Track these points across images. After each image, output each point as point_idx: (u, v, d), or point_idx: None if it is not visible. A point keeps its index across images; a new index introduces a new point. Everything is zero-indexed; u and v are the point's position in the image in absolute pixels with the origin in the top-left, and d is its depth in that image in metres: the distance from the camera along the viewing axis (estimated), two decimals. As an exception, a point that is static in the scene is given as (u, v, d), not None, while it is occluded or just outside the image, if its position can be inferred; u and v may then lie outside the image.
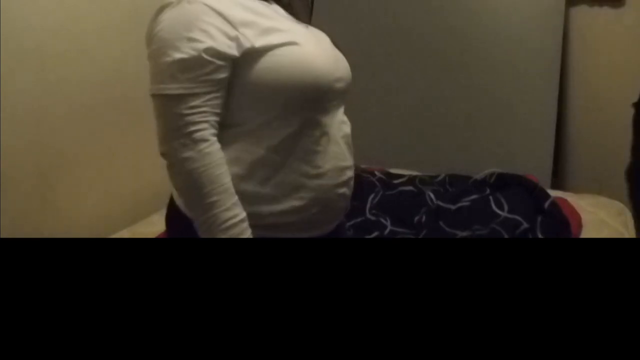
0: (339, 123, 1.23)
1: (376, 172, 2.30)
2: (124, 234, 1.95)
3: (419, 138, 2.60)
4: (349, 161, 1.24)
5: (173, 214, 1.22)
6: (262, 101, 1.12)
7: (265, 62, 1.10)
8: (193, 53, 1.05)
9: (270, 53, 1.10)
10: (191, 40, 1.05)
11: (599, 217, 1.96)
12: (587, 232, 1.90)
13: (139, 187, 2.14)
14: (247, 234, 1.09)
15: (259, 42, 1.09)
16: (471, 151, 2.51)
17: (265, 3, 1.18)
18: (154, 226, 1.93)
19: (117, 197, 2.07)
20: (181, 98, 1.05)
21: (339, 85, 1.19)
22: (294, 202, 1.16)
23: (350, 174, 1.25)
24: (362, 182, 2.10)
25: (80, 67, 1.87)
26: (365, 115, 2.41)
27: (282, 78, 1.11)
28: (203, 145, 1.06)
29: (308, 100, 1.14)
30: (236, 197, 1.08)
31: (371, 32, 2.63)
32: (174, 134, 1.06)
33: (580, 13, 2.41)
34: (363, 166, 2.22)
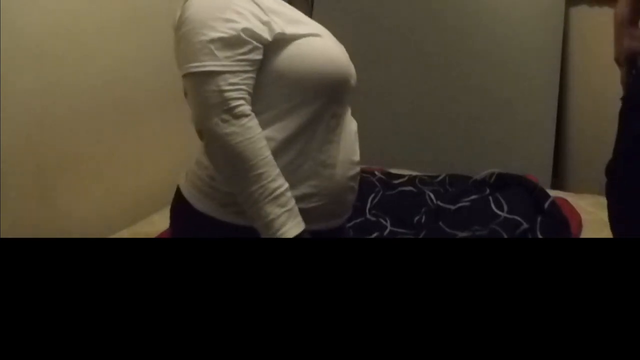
0: (350, 119, 1.27)
1: (376, 172, 2.30)
2: (124, 234, 1.95)
3: (419, 138, 2.60)
4: (357, 156, 1.29)
5: (179, 206, 1.24)
6: (286, 88, 1.15)
7: (292, 50, 1.14)
8: (232, 32, 1.08)
9: (297, 42, 1.15)
10: (228, 20, 1.08)
11: (599, 217, 1.95)
12: (587, 232, 1.90)
13: (139, 187, 2.14)
14: (292, 203, 1.11)
15: (288, 30, 1.14)
16: (471, 151, 2.51)
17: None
18: (154, 226, 1.93)
19: (117, 197, 2.06)
20: (220, 75, 1.08)
21: (352, 81, 1.24)
22: (306, 190, 1.18)
23: (358, 169, 1.29)
24: (362, 182, 2.10)
25: (80, 67, 1.87)
26: (365, 115, 2.40)
27: (307, 66, 1.15)
28: (244, 120, 1.08)
29: (329, 89, 1.18)
30: (278, 169, 1.11)
31: (370, 32, 2.63)
32: (214, 110, 1.08)
33: (580, 13, 2.41)
34: (363, 166, 2.21)
